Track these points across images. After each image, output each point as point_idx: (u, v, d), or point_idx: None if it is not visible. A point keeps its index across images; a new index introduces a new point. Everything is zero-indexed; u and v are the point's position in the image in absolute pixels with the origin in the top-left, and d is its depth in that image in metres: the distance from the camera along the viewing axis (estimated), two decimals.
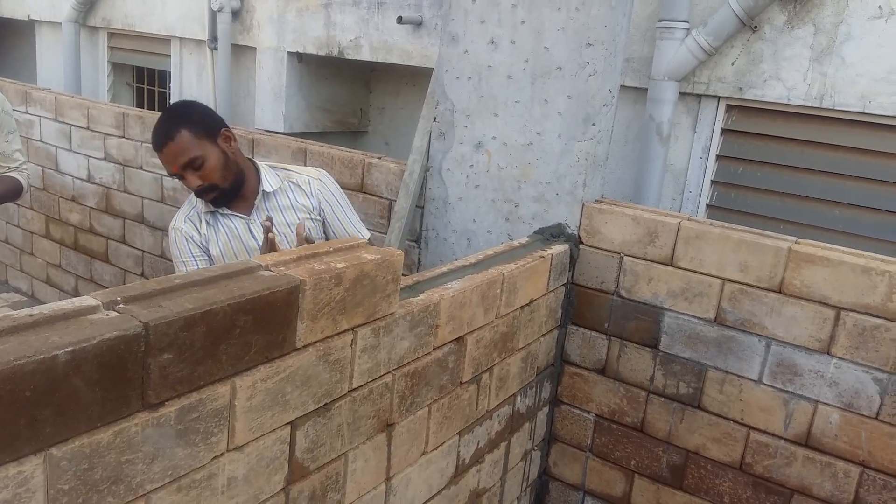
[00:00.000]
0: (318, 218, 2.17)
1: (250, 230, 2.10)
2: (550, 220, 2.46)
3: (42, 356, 0.90)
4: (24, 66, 7.26)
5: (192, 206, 2.14)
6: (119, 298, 1.05)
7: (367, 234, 2.17)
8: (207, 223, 2.10)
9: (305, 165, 3.18)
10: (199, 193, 2.02)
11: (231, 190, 2.05)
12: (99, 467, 0.99)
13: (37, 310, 0.99)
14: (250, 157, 2.18)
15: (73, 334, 0.94)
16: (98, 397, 0.97)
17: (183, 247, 2.10)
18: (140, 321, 1.00)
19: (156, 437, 1.06)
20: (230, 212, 2.10)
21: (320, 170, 2.23)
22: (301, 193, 2.15)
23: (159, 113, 3.94)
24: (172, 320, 1.03)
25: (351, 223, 2.20)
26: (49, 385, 0.91)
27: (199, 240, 2.10)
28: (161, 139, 1.97)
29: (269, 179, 2.11)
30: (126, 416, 1.01)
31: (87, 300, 1.03)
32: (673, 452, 2.34)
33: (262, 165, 2.17)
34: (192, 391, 1.10)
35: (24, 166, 2.77)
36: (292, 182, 2.15)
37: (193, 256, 2.09)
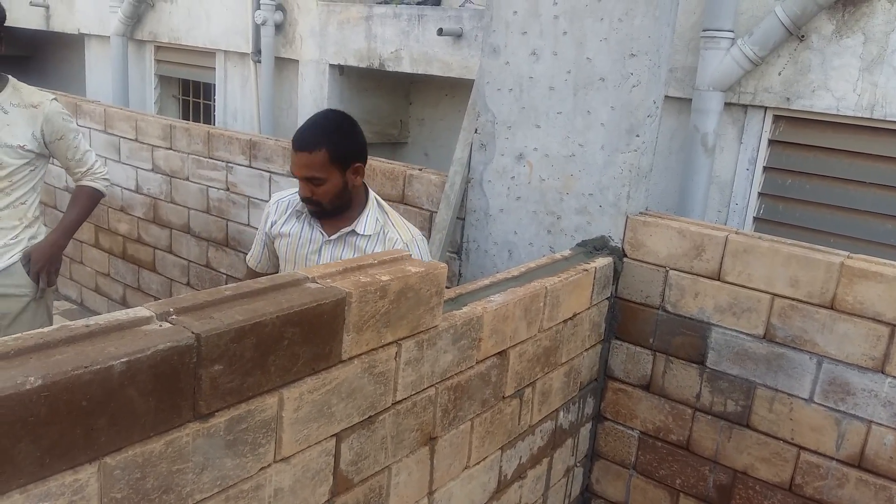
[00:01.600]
0: None
1: (319, 250, 2.13)
2: (593, 233, 2.44)
3: (98, 366, 0.91)
4: (73, 78, 7.48)
5: (293, 193, 2.21)
6: (172, 309, 1.06)
7: None
8: (294, 214, 2.17)
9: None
10: (303, 200, 2.09)
11: (330, 212, 2.10)
12: (151, 476, 1.01)
13: (93, 320, 1.01)
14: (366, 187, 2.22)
15: (128, 345, 0.96)
16: (151, 407, 0.98)
17: (264, 217, 2.26)
18: (192, 332, 1.01)
19: (206, 447, 1.07)
20: (317, 223, 2.14)
21: (417, 234, 2.21)
22: (381, 247, 2.16)
23: (205, 125, 4.03)
24: (223, 332, 1.04)
25: None
26: (105, 395, 0.92)
27: (273, 221, 2.21)
28: (301, 144, 2.02)
29: (368, 223, 2.12)
30: (178, 426, 1.02)
31: (140, 311, 1.05)
32: (720, 472, 2.29)
33: (374, 206, 2.17)
34: (242, 402, 1.11)
35: (99, 167, 2.82)
36: (385, 235, 2.15)
37: (262, 231, 2.26)
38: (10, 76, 2.62)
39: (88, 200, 2.81)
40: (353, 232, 2.10)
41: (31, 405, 0.87)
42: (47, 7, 7.19)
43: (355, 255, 2.11)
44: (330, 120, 2.09)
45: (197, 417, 1.05)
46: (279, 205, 2.22)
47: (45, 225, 2.82)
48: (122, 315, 1.03)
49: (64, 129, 2.67)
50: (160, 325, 1.03)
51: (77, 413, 0.91)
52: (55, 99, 2.68)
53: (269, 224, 2.21)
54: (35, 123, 2.59)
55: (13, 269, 2.64)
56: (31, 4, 7.10)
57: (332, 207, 2.08)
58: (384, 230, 2.14)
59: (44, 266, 2.67)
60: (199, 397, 1.04)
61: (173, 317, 1.06)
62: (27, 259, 2.65)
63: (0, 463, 0.86)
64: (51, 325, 2.71)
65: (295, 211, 2.17)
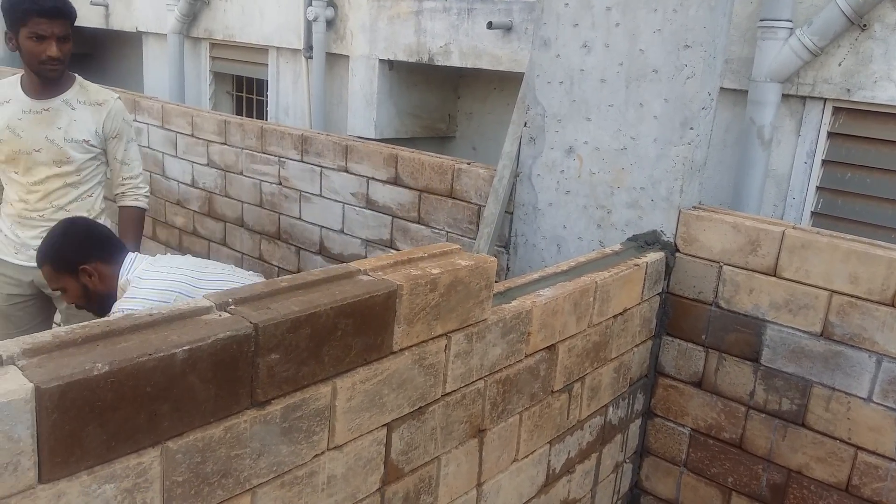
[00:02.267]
0: None
1: None
2: (645, 227, 2.41)
3: (162, 354, 0.95)
4: (132, 75, 7.70)
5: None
6: (230, 300, 1.10)
7: None
8: None
9: (395, 172, 3.23)
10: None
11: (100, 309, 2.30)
12: (210, 461, 1.04)
13: (156, 310, 1.04)
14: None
15: (189, 334, 0.99)
16: (211, 394, 1.01)
17: None
18: (250, 322, 1.04)
19: (262, 433, 1.10)
20: None
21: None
22: None
23: (258, 120, 4.10)
24: (280, 322, 1.07)
25: None
26: (167, 381, 0.96)
27: None
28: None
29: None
30: (236, 413, 1.06)
31: (201, 301, 1.08)
32: (773, 471, 2.24)
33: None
34: (297, 390, 1.14)
35: (142, 182, 2.88)
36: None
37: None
38: (77, 75, 2.72)
39: (138, 224, 2.89)
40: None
41: (99, 390, 0.90)
42: (107, 6, 7.41)
43: None
44: (54, 234, 2.30)
45: (254, 405, 1.08)
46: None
47: (109, 218, 2.92)
48: (183, 305, 1.07)
49: (122, 129, 2.76)
50: (220, 315, 1.06)
51: (141, 398, 0.94)
52: (119, 98, 2.78)
53: None
54: (99, 120, 2.68)
55: None
56: (92, 3, 7.32)
57: (95, 307, 2.29)
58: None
59: None
60: (257, 385, 1.07)
61: (232, 307, 1.09)
62: None
63: (69, 445, 0.90)
64: None
65: None
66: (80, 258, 2.22)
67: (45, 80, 2.59)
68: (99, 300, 2.26)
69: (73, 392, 0.88)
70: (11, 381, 0.86)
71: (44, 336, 0.95)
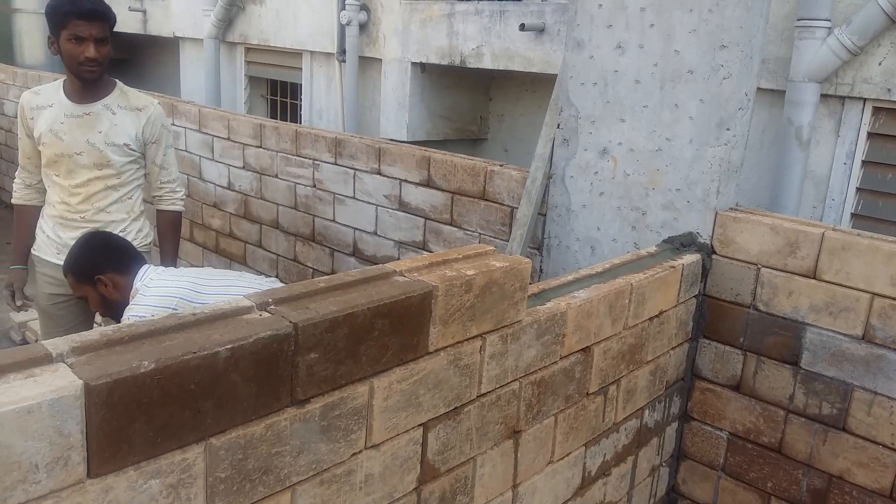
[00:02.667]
0: None
1: None
2: (680, 229, 2.39)
3: (206, 352, 0.97)
4: (168, 80, 7.84)
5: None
6: (270, 300, 1.11)
7: None
8: None
9: (428, 175, 3.25)
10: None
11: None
12: (252, 458, 1.06)
13: (199, 310, 1.07)
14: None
15: (231, 333, 1.01)
16: (253, 392, 1.03)
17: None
18: (290, 322, 1.06)
19: (302, 431, 1.12)
20: None
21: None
22: None
23: (292, 124, 4.15)
24: (319, 321, 1.09)
25: None
26: (211, 379, 0.98)
27: None
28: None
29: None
30: (276, 411, 1.07)
31: (242, 301, 1.10)
32: (814, 476, 2.20)
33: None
34: (335, 389, 1.15)
35: (179, 186, 2.95)
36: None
37: None
38: (117, 81, 2.79)
39: (176, 228, 2.98)
40: None
41: (145, 387, 0.93)
42: (144, 11, 7.57)
43: None
44: (75, 246, 2.48)
45: (294, 403, 1.10)
46: None
47: (148, 220, 2.98)
48: (225, 305, 1.09)
49: (161, 134, 2.82)
50: (260, 315, 1.08)
51: (186, 395, 0.97)
52: (158, 104, 2.84)
53: None
54: (138, 125, 2.74)
55: None
56: (130, 9, 7.49)
57: (112, 314, 2.44)
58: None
59: None
60: (296, 384, 1.09)
61: (272, 307, 1.11)
62: None
63: (117, 440, 0.92)
64: None
65: None
66: (96, 269, 2.39)
67: (86, 83, 2.65)
68: (115, 307, 2.42)
69: (121, 389, 0.90)
70: (62, 377, 0.88)
71: (92, 335, 0.97)
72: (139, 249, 2.88)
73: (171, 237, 2.94)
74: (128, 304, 2.34)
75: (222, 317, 1.06)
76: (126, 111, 2.73)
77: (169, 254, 2.95)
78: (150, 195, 2.93)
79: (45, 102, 2.70)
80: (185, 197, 2.99)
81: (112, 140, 2.69)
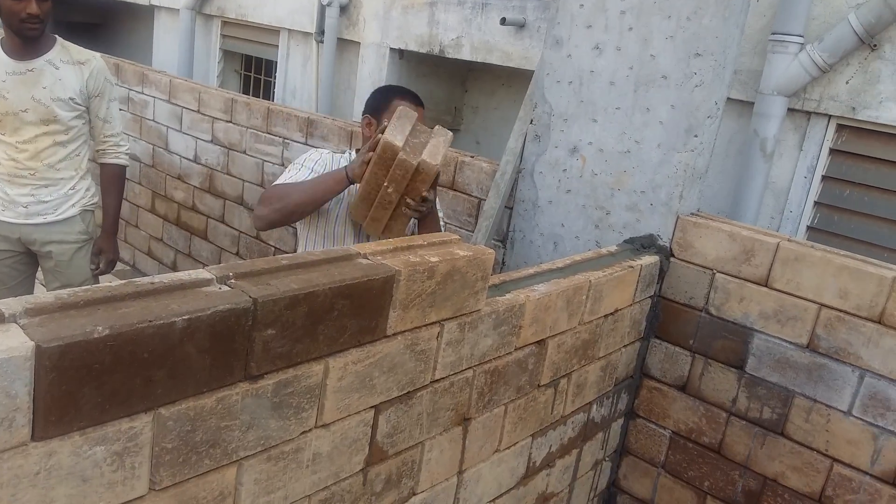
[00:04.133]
0: None
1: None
2: (642, 231, 2.43)
3: (161, 321, 0.97)
4: (140, 48, 7.68)
5: (343, 154, 2.30)
6: (231, 274, 1.12)
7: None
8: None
9: None
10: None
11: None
12: (200, 430, 1.06)
13: (157, 278, 1.07)
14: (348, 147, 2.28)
15: (189, 304, 1.01)
16: (206, 364, 1.03)
17: (312, 159, 2.21)
18: (250, 297, 1.06)
19: (253, 407, 1.12)
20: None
21: None
22: None
23: (265, 101, 4.11)
24: (279, 298, 1.09)
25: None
26: (165, 349, 0.98)
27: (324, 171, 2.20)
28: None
29: None
30: (229, 385, 1.08)
31: (202, 273, 1.10)
32: (750, 477, 2.28)
33: None
34: (290, 367, 1.16)
35: (122, 140, 2.91)
36: None
37: (310, 170, 2.17)
38: (57, 36, 2.74)
39: (120, 182, 2.95)
40: None
41: (98, 353, 0.92)
42: None
43: None
44: None
45: (247, 378, 1.10)
46: (333, 158, 2.25)
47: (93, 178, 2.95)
48: (184, 275, 1.09)
49: (104, 87, 2.79)
50: (220, 288, 1.08)
51: (138, 364, 0.96)
52: (100, 57, 2.81)
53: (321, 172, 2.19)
54: (82, 78, 2.71)
55: (73, 220, 2.80)
56: None
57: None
58: None
59: (115, 257, 2.93)
60: (251, 359, 1.09)
61: (232, 281, 1.11)
62: (99, 251, 2.89)
63: (64, 405, 0.92)
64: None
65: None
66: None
67: (26, 40, 2.60)
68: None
69: (73, 353, 0.90)
70: (13, 338, 0.87)
71: (46, 297, 0.97)
72: (85, 208, 2.87)
73: (114, 191, 2.91)
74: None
75: (181, 287, 1.06)
76: (69, 65, 2.70)
77: (111, 208, 2.91)
78: (95, 150, 2.91)
79: None
80: (129, 152, 2.97)
81: (57, 95, 2.65)
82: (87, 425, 0.94)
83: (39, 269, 2.94)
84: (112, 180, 2.92)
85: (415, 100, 2.24)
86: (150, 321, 0.95)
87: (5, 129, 2.66)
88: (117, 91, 2.93)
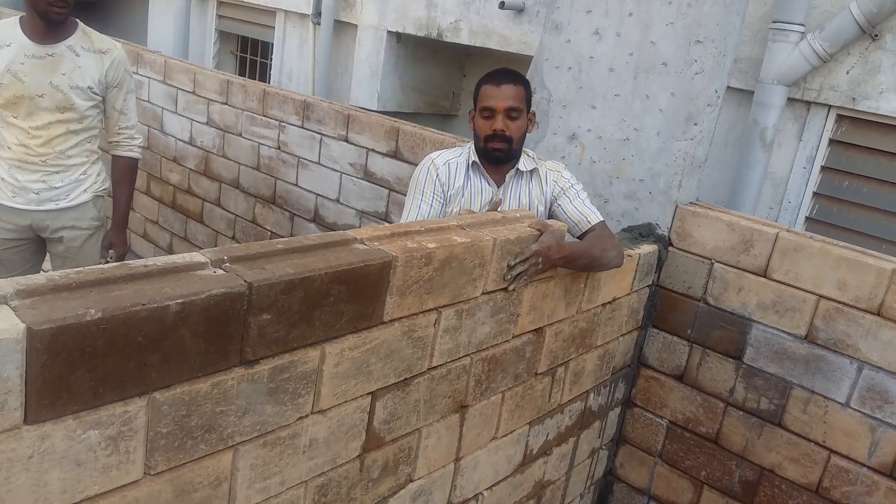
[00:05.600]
0: (545, 204, 2.17)
1: (491, 200, 2.16)
2: (640, 219, 2.42)
3: (155, 305, 0.95)
4: (135, 28, 7.60)
5: (459, 154, 2.19)
6: (226, 258, 1.10)
7: (596, 219, 2.12)
8: (464, 174, 2.14)
9: (396, 146, 3.23)
10: (493, 137, 2.07)
11: (512, 153, 2.11)
12: (195, 415, 1.05)
13: (151, 261, 1.05)
14: None
15: (183, 287, 0.99)
16: (201, 349, 1.02)
17: (427, 179, 2.15)
18: (245, 281, 1.05)
19: (249, 392, 1.11)
20: (486, 175, 2.15)
21: (562, 165, 2.23)
22: (538, 183, 2.16)
23: (261, 83, 4.07)
24: (274, 283, 1.07)
25: (583, 205, 2.14)
26: (159, 333, 0.96)
27: (444, 182, 2.14)
28: (505, 78, 2.10)
29: (524, 161, 2.14)
30: (224, 370, 1.06)
31: (196, 256, 1.08)
32: (746, 468, 2.28)
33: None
34: (286, 352, 1.15)
35: (137, 133, 2.88)
36: (540, 169, 2.16)
37: (432, 193, 2.13)
38: (79, 21, 2.69)
39: (131, 174, 2.91)
40: (518, 171, 2.11)
41: (90, 336, 0.91)
42: None
43: (528, 194, 2.14)
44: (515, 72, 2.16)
45: (243, 363, 1.09)
46: (447, 165, 2.16)
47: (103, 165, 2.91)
48: (179, 259, 1.07)
49: (123, 78, 2.74)
50: (214, 272, 1.07)
51: (132, 348, 0.95)
52: (121, 47, 2.76)
53: (442, 186, 2.13)
54: (102, 68, 2.66)
55: (86, 206, 2.77)
56: None
57: (516, 148, 2.09)
58: (537, 166, 2.15)
59: (125, 250, 2.89)
60: (247, 344, 1.08)
61: (227, 265, 1.09)
62: (109, 245, 2.85)
63: (57, 388, 0.90)
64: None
65: (465, 166, 2.14)
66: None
67: (50, 24, 2.55)
68: (521, 146, 2.17)
69: (65, 336, 0.88)
70: (4, 320, 0.86)
71: (38, 278, 0.95)
72: (97, 194, 2.83)
73: (125, 184, 2.88)
74: (521, 150, 2.16)
75: (174, 270, 1.04)
76: (90, 53, 2.65)
77: (122, 202, 2.89)
78: (108, 140, 2.86)
79: (3, 41, 2.59)
80: (142, 145, 2.92)
81: (76, 83, 2.61)
82: (80, 409, 0.93)
83: (46, 257, 2.91)
84: (124, 173, 2.88)
85: (495, 78, 2.14)
86: (144, 304, 0.94)
87: (18, 113, 2.61)
88: (135, 82, 2.87)
